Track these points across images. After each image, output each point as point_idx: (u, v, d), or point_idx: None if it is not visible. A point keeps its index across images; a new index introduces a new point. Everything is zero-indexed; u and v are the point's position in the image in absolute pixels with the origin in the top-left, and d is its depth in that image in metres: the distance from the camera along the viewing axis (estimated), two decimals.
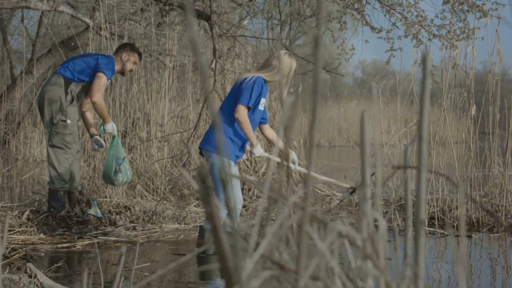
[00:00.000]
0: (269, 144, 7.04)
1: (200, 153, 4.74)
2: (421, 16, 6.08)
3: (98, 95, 5.30)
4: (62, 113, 5.38)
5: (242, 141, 4.59)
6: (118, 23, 6.70)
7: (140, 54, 5.66)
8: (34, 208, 5.67)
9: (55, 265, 4.16)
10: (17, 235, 5.14)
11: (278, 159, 4.69)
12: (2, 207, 5.62)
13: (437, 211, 6.02)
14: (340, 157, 15.38)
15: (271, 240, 0.62)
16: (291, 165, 4.78)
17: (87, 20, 8.47)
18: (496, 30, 6.13)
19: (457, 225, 5.95)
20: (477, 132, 6.18)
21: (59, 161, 5.39)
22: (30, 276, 3.10)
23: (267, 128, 4.83)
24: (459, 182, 5.89)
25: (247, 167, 6.97)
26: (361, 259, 0.63)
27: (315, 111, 0.61)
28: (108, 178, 5.48)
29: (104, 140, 5.75)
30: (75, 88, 5.44)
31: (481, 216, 5.96)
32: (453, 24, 5.77)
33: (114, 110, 6.57)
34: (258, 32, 12.49)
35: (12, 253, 4.53)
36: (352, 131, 20.75)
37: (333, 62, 12.15)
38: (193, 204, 6.35)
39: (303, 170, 4.92)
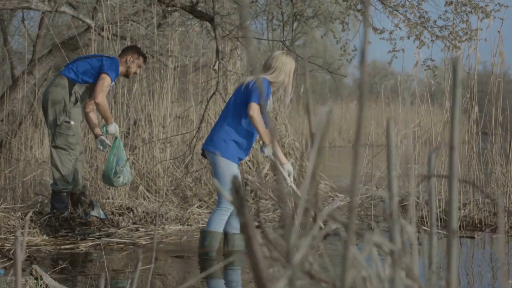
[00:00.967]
0: (258, 142, 7.04)
1: (203, 154, 4.74)
2: (424, 17, 6.09)
3: (101, 96, 5.30)
4: (66, 114, 5.38)
5: (245, 143, 4.59)
6: (119, 24, 6.70)
7: (145, 58, 5.67)
8: (37, 209, 5.67)
9: (59, 267, 4.16)
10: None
11: (282, 168, 4.69)
12: (5, 208, 5.61)
13: (439, 212, 6.02)
14: (340, 157, 15.38)
15: (305, 250, 0.62)
16: (287, 177, 4.74)
17: (88, 20, 8.47)
18: (499, 31, 6.13)
19: (460, 226, 5.95)
20: (479, 133, 6.18)
21: (62, 162, 5.38)
22: (36, 278, 3.10)
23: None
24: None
25: (249, 168, 6.97)
26: (395, 268, 0.63)
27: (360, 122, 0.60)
28: (108, 179, 5.47)
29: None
30: (79, 89, 5.44)
31: (484, 217, 5.96)
32: (456, 25, 5.78)
33: (116, 111, 6.56)
34: (257, 33, 12.49)
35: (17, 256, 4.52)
36: (352, 132, 20.74)
37: (333, 63, 12.15)
38: (196, 206, 6.35)
39: (295, 188, 4.83)
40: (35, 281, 3.04)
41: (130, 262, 4.53)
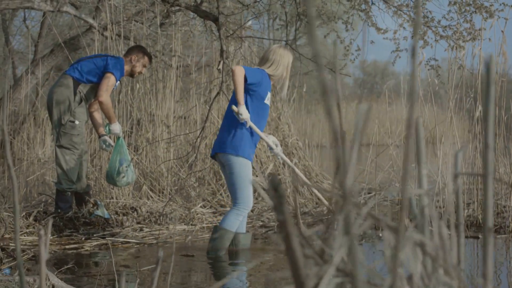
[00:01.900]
0: (262, 141, 7.04)
1: (213, 157, 4.70)
2: (427, 17, 6.09)
3: (105, 95, 5.30)
4: (71, 113, 5.38)
5: (255, 137, 4.58)
6: (122, 24, 6.70)
7: (150, 57, 5.67)
8: (41, 209, 5.67)
9: (65, 267, 4.16)
10: (24, 236, 5.13)
11: (262, 135, 4.67)
12: (9, 208, 5.61)
13: (443, 211, 6.02)
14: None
15: (342, 249, 0.62)
16: (274, 147, 4.73)
17: (90, 20, 8.48)
18: (502, 31, 6.13)
19: (465, 225, 5.94)
20: (483, 132, 6.18)
21: (66, 161, 5.39)
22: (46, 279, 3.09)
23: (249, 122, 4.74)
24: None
25: (253, 167, 6.97)
26: (435, 266, 0.63)
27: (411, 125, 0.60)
28: (111, 179, 5.47)
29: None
30: (83, 89, 5.44)
31: None
32: (460, 25, 5.78)
33: (120, 110, 6.57)
34: (259, 32, 12.49)
35: (21, 255, 4.52)
36: (353, 131, 20.70)
37: (334, 62, 12.13)
38: (199, 205, 6.35)
39: (285, 158, 4.87)
40: (47, 281, 3.04)
41: (137, 261, 4.53)
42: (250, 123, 4.53)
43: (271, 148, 4.80)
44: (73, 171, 5.41)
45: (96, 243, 5.05)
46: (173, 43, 6.85)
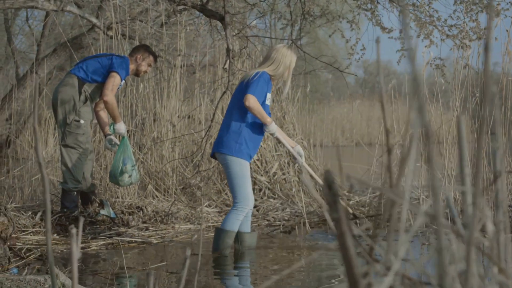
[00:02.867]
0: (267, 141, 7.03)
1: (213, 156, 4.72)
2: (433, 16, 6.08)
3: (110, 94, 5.29)
4: (76, 113, 5.37)
5: (255, 139, 4.57)
6: (125, 23, 6.69)
7: (155, 57, 5.66)
8: None
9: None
10: (31, 235, 5.13)
11: (290, 147, 4.72)
12: (15, 207, 5.61)
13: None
14: (344, 156, 15.37)
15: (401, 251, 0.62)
16: (298, 158, 4.77)
17: (94, 20, 8.47)
18: (507, 31, 6.12)
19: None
20: (489, 132, 6.17)
21: (72, 161, 5.38)
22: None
23: (277, 133, 4.79)
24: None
25: (258, 167, 6.97)
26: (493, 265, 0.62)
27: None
28: (114, 179, 5.45)
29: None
30: (88, 88, 5.44)
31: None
32: (466, 24, 5.77)
33: (124, 109, 6.56)
34: (261, 31, 12.46)
35: (28, 254, 4.52)
36: (355, 131, 20.75)
37: (336, 62, 12.12)
38: (205, 205, 6.34)
39: (308, 168, 4.93)
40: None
41: (144, 261, 4.52)
42: (278, 135, 4.60)
43: (295, 159, 4.82)
44: (79, 171, 5.40)
45: (102, 242, 5.04)
46: (178, 42, 6.85)
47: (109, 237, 5.17)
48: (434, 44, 6.37)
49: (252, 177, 6.85)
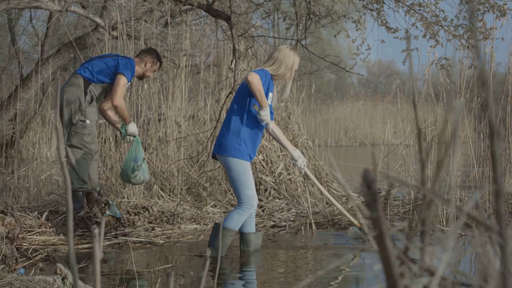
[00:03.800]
0: (272, 141, 7.03)
1: (214, 157, 4.71)
2: (438, 16, 6.06)
3: (119, 98, 5.30)
4: (81, 113, 5.36)
5: (254, 139, 4.54)
6: (130, 24, 6.69)
7: (161, 64, 5.69)
8: (53, 209, 5.67)
9: (79, 266, 4.15)
10: (36, 235, 5.13)
11: (287, 142, 4.71)
12: (21, 207, 5.61)
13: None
14: (347, 156, 15.37)
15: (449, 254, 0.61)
16: (300, 162, 4.76)
17: (98, 20, 8.47)
18: None
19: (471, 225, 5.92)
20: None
21: (77, 161, 5.37)
22: (63, 278, 3.09)
23: (272, 124, 4.73)
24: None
25: (263, 167, 6.96)
26: None
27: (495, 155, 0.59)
28: (126, 176, 5.44)
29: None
30: (94, 88, 5.43)
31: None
32: (472, 23, 5.74)
33: (130, 110, 6.56)
34: (266, 31, 12.46)
35: (34, 254, 4.52)
36: (358, 131, 20.74)
37: (341, 62, 12.10)
38: (210, 205, 6.34)
39: (309, 173, 4.93)
40: (63, 280, 3.03)
41: (150, 261, 4.52)
42: (272, 126, 4.58)
43: (294, 160, 4.81)
44: (84, 171, 5.40)
45: (108, 242, 5.04)
46: (183, 42, 6.84)
47: (115, 237, 5.17)
48: (439, 44, 6.36)
49: (257, 177, 6.85)
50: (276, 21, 13.48)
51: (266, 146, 6.99)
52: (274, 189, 6.83)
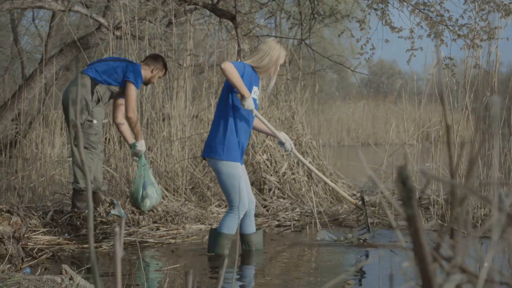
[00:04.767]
0: (274, 140, 7.02)
1: (204, 158, 4.67)
2: (443, 16, 6.06)
3: (133, 110, 5.33)
4: (88, 113, 5.37)
5: (242, 138, 4.49)
6: (136, 23, 6.69)
7: (167, 71, 5.72)
8: (57, 208, 5.67)
9: (85, 266, 4.15)
10: (41, 235, 5.12)
11: (273, 129, 4.64)
12: (26, 207, 5.61)
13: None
14: (349, 156, 15.36)
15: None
16: (287, 145, 4.69)
17: (101, 20, 8.47)
18: None
19: (480, 225, 5.92)
20: (499, 132, 6.15)
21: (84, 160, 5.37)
22: (70, 278, 3.09)
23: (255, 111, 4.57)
24: None
25: (267, 167, 6.96)
26: None
27: None
28: (136, 202, 5.53)
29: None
30: (100, 89, 5.43)
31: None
32: (477, 23, 5.75)
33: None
34: (270, 31, 12.46)
35: (40, 254, 4.51)
36: (361, 131, 20.73)
37: (347, 61, 12.10)
38: (214, 204, 6.34)
39: (298, 155, 4.85)
40: (70, 280, 3.03)
41: (157, 261, 4.52)
42: (255, 113, 4.46)
43: (281, 144, 4.74)
44: (91, 170, 5.40)
45: (113, 242, 5.03)
46: (188, 42, 6.84)
47: None
48: (444, 44, 6.36)
49: (261, 177, 6.85)
50: (279, 21, 13.47)
51: (271, 146, 6.99)
52: (279, 189, 6.83)
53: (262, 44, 4.60)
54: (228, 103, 4.44)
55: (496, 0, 5.50)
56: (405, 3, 5.82)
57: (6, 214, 4.09)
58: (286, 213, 6.28)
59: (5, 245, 3.91)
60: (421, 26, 5.92)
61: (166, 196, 6.35)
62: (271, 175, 6.91)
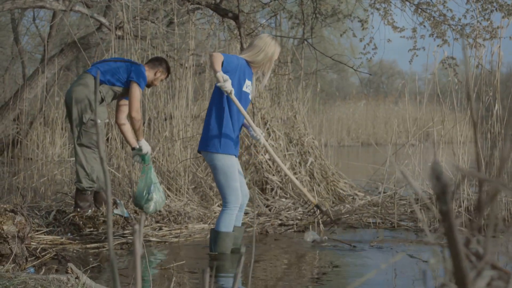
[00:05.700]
0: (279, 140, 7.01)
1: (199, 152, 4.66)
2: (445, 15, 6.06)
3: (137, 110, 5.33)
4: (92, 112, 5.36)
5: (235, 132, 4.48)
6: (138, 23, 6.69)
7: (169, 74, 5.73)
8: (60, 208, 5.67)
9: (91, 265, 4.15)
10: (44, 235, 5.12)
11: (246, 114, 4.58)
12: (29, 206, 5.61)
13: (461, 210, 5.99)
14: (349, 156, 15.38)
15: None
16: (259, 136, 4.63)
17: (102, 20, 8.47)
18: None
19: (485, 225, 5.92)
20: (502, 131, 6.15)
21: (87, 160, 5.38)
22: (76, 278, 3.09)
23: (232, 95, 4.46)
24: None
25: (270, 166, 6.96)
26: None
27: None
28: (139, 205, 5.50)
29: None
30: (103, 89, 5.43)
31: (508, 215, 5.94)
32: (480, 23, 5.76)
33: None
34: (273, 30, 12.46)
35: (43, 253, 4.51)
36: (361, 131, 20.74)
37: (349, 61, 12.11)
38: (217, 204, 6.34)
39: (268, 147, 4.76)
40: (76, 280, 3.03)
41: (161, 261, 4.52)
42: (232, 96, 4.37)
43: (255, 137, 4.67)
44: (94, 170, 5.40)
45: (116, 242, 5.03)
46: (190, 42, 6.84)
47: (123, 237, 5.17)
48: (446, 44, 6.37)
49: (263, 176, 6.85)
50: (279, 21, 13.48)
51: (272, 145, 6.99)
52: (281, 188, 6.83)
53: (257, 39, 4.60)
54: (223, 96, 4.44)
55: (499, 0, 5.50)
56: (407, 3, 5.83)
57: (10, 213, 4.09)
58: (289, 212, 6.28)
59: (9, 245, 3.91)
60: (424, 26, 5.93)
61: (169, 196, 6.35)
62: (273, 175, 6.91)
